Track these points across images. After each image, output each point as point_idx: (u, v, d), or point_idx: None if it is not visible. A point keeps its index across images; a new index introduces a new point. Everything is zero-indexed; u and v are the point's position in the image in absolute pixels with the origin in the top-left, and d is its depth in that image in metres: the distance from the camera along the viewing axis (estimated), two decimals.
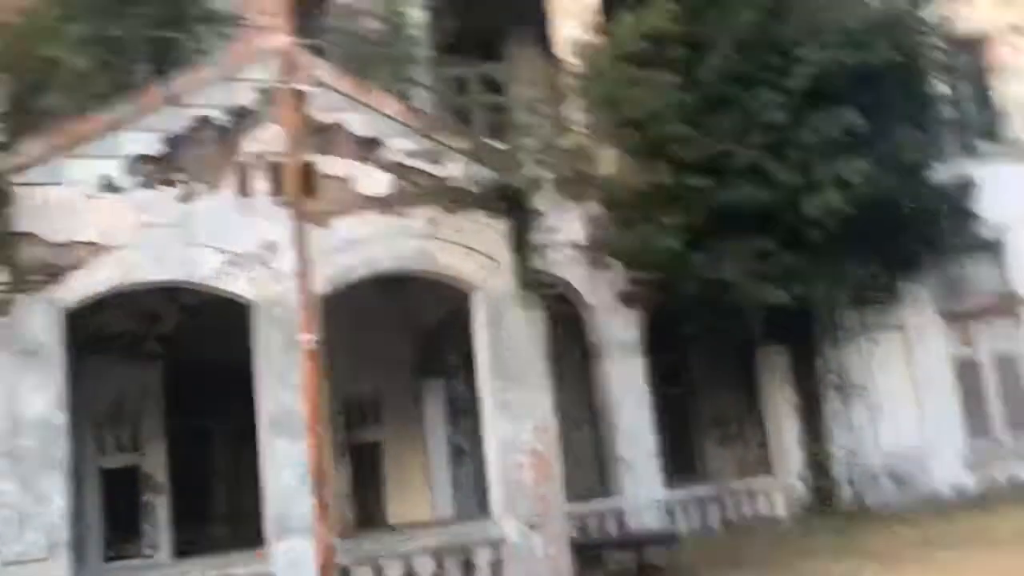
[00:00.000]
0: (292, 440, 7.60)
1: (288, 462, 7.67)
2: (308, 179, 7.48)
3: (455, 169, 8.48)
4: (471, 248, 8.46)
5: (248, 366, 8.10)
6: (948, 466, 13.33)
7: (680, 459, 13.82)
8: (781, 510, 12.47)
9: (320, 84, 8.19)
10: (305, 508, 7.23)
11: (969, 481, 13.35)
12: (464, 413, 11.82)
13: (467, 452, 11.74)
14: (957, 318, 14.16)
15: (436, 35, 11.50)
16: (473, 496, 11.67)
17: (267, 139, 8.02)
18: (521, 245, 8.63)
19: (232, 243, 7.91)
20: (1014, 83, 15.32)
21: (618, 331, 12.19)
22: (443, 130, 8.58)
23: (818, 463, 12.64)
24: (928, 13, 12.52)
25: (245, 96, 8.13)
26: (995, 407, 14.15)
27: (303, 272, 6.64)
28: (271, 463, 7.77)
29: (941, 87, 13.32)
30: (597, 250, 11.90)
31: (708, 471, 14.05)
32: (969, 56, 15.63)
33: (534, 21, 13.70)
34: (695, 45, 11.70)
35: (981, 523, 10.72)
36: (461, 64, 11.91)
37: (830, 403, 12.98)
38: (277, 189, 7.92)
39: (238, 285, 7.91)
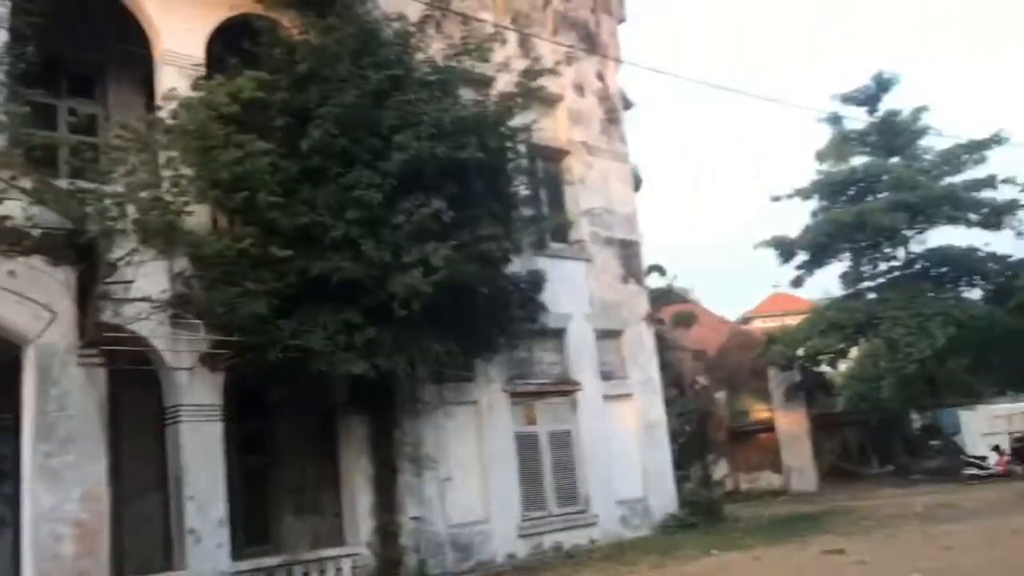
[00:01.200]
0: None
1: None
2: None
3: (14, 209, 7.76)
4: (25, 297, 7.74)
5: None
6: (505, 536, 14.43)
7: (255, 530, 13.53)
8: None
9: None
10: None
11: (522, 549, 14.55)
12: (8, 478, 10.61)
13: (7, 522, 10.50)
14: (522, 397, 15.56)
15: (16, 62, 10.52)
16: (11, 570, 10.43)
17: None
18: (86, 297, 8.04)
19: None
20: (582, 192, 17.49)
21: (198, 395, 11.69)
22: (3, 166, 7.84)
23: (388, 533, 13.01)
24: (515, 121, 13.87)
25: None
26: (548, 481, 15.64)
27: None
28: None
29: (522, 188, 14.74)
30: (181, 309, 11.41)
31: (283, 542, 13.90)
32: (549, 164, 17.61)
33: (138, 65, 13.14)
34: (299, 116, 11.94)
35: None
36: (44, 96, 10.98)
37: (404, 474, 13.49)
38: None
39: None
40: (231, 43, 12.20)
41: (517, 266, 14.27)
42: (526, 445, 15.45)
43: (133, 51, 12.87)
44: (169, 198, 8.49)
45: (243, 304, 10.89)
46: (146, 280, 9.68)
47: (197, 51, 12.47)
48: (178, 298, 11.34)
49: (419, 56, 13.33)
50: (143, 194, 8.33)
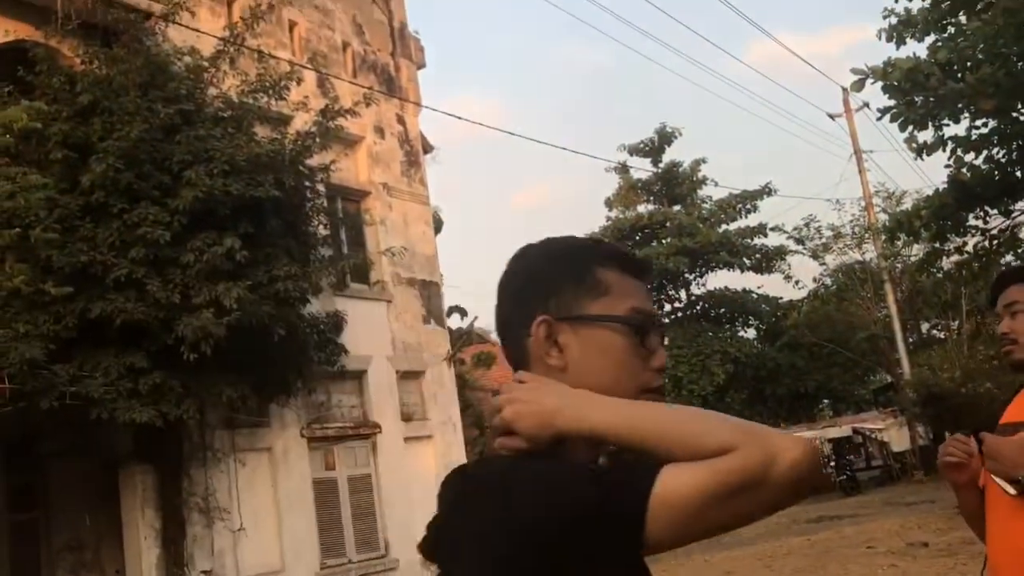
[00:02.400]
0: None
1: None
2: None
3: None
4: None
5: None
6: None
7: None
8: None
9: None
10: None
11: None
12: None
13: None
14: (320, 442, 15.24)
15: None
16: None
17: None
18: None
19: None
20: (383, 234, 17.50)
21: None
22: None
23: None
24: (314, 160, 13.75)
25: None
26: (347, 527, 15.35)
27: None
28: None
29: (321, 228, 14.57)
30: None
31: None
32: (349, 204, 17.53)
33: None
34: (81, 149, 11.32)
35: None
36: None
37: (193, 526, 12.85)
38: None
39: None
40: (4, 71, 11.43)
41: (316, 307, 14.05)
42: (324, 491, 15.11)
43: None
44: None
45: (14, 348, 10.10)
46: None
47: None
48: None
49: (212, 92, 13.00)
50: None
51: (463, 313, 27.77)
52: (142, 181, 11.35)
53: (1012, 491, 2.40)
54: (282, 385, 13.63)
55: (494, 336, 40.97)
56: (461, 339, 21.60)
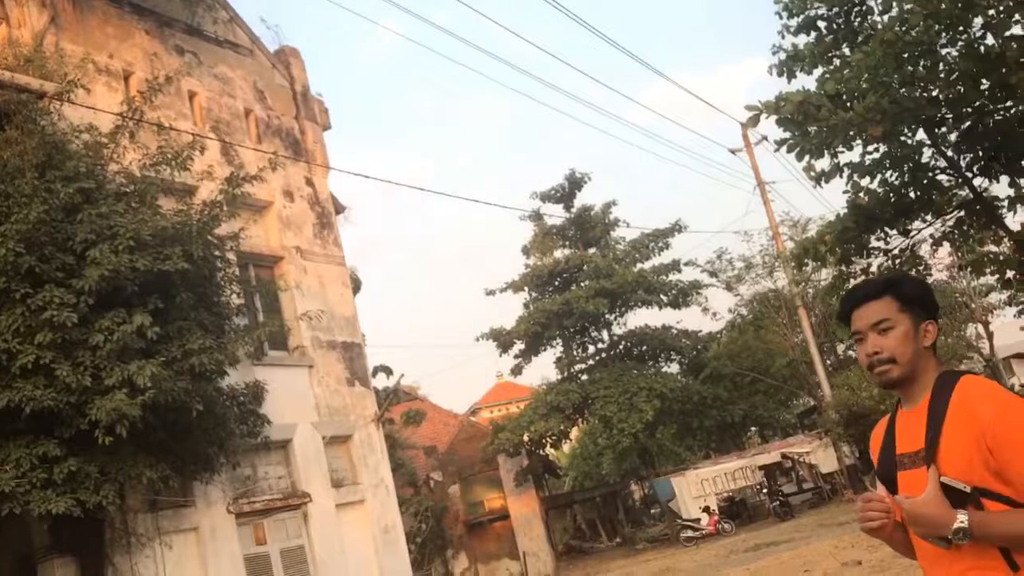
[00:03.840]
0: None
1: None
2: None
3: None
4: None
5: None
6: None
7: None
8: None
9: None
10: None
11: None
12: None
13: None
14: (249, 516, 14.80)
15: None
16: None
17: None
18: None
19: None
20: (299, 298, 17.28)
21: None
22: None
23: None
24: (222, 229, 13.52)
25: None
26: None
27: None
28: None
29: (234, 297, 14.29)
30: None
31: None
32: (263, 271, 17.28)
33: None
34: None
35: None
36: None
37: None
38: None
39: None
40: None
41: (234, 378, 13.73)
42: (257, 567, 14.64)
43: None
44: None
45: None
46: None
47: None
48: None
49: (113, 167, 12.73)
50: None
51: (388, 372, 27.63)
52: (44, 263, 11.00)
53: (944, 546, 2.36)
54: (204, 462, 13.23)
55: (422, 392, 40.77)
56: (388, 398, 21.36)
